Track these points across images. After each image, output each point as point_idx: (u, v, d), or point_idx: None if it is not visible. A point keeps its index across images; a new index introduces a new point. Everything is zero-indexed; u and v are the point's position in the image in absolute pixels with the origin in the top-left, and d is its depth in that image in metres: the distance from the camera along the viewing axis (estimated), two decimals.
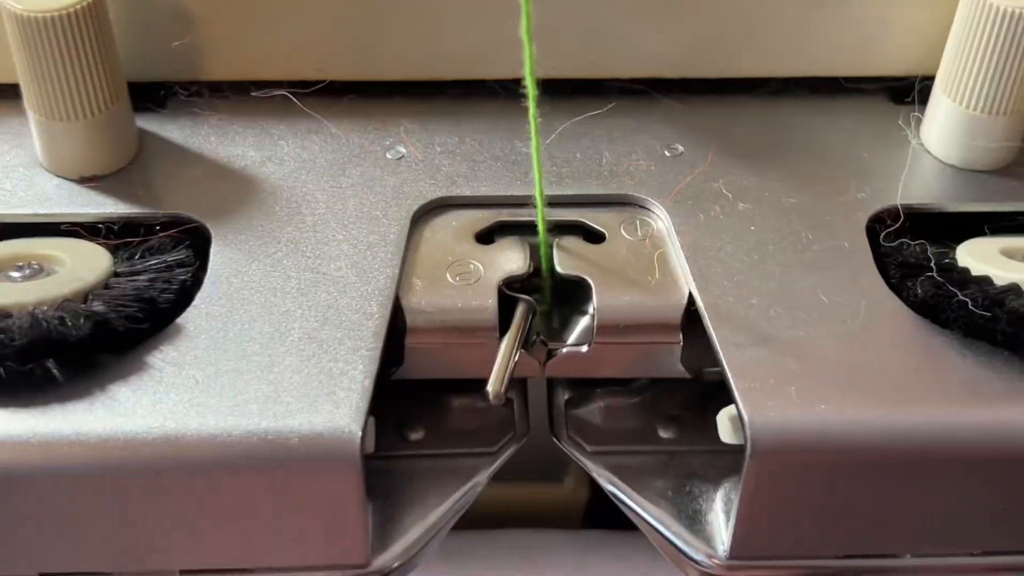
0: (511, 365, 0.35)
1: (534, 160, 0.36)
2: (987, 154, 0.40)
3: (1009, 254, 0.37)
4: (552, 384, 0.40)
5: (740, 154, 0.41)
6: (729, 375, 0.34)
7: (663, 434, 0.39)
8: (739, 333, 0.35)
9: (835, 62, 0.42)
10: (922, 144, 0.41)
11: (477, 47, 0.42)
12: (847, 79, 0.42)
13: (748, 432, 0.33)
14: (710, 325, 0.35)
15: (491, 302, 0.36)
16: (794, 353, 0.35)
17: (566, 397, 0.40)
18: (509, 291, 0.37)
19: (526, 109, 0.35)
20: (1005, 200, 0.39)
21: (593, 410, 0.40)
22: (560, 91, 0.42)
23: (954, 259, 0.37)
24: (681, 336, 0.36)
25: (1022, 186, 0.40)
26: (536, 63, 0.42)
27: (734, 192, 0.39)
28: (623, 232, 0.39)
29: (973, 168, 0.40)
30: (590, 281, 0.37)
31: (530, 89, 0.34)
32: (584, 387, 0.40)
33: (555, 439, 0.39)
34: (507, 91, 0.42)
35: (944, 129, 0.40)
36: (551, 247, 0.38)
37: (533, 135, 0.35)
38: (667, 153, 0.41)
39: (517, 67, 0.37)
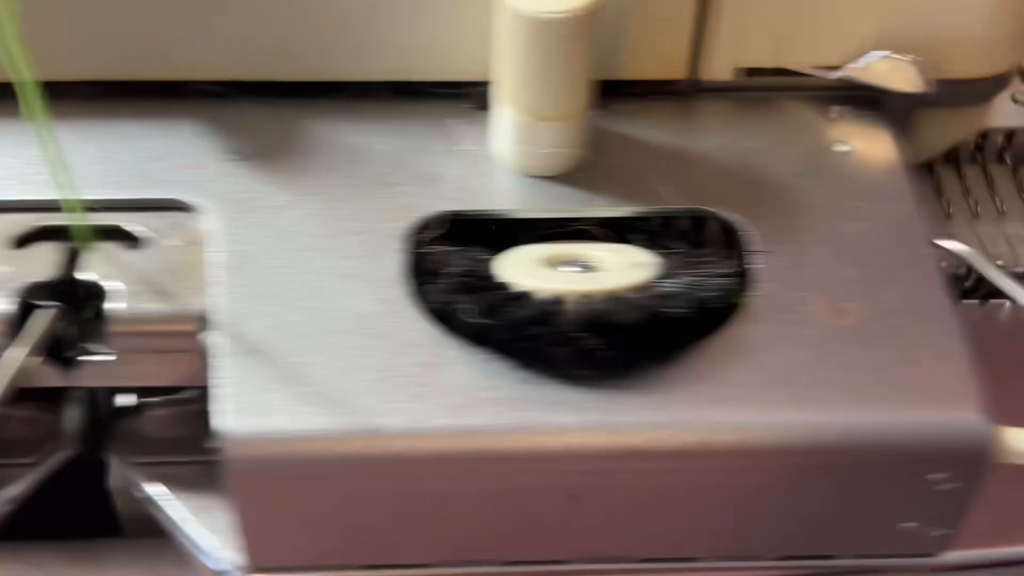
0: (12, 374, 0.34)
1: (53, 163, 0.35)
2: (541, 160, 0.40)
3: (550, 261, 0.37)
4: (99, 393, 0.39)
5: (304, 158, 0.40)
6: (213, 383, 0.33)
7: (209, 444, 0.38)
8: (238, 342, 0.34)
9: (410, 66, 0.42)
10: (485, 150, 0.41)
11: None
12: (424, 84, 0.42)
13: (220, 442, 0.32)
14: (209, 334, 0.35)
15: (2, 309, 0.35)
16: (291, 363, 0.34)
17: (113, 406, 0.39)
18: (33, 299, 0.36)
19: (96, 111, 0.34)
20: (557, 207, 0.39)
21: (142, 420, 0.39)
22: (127, 93, 0.41)
23: (487, 266, 0.37)
24: (202, 344, 0.36)
25: (574, 193, 0.39)
26: (103, 64, 0.42)
27: (289, 198, 0.39)
28: (164, 237, 0.38)
29: (531, 174, 0.40)
30: (112, 287, 0.36)
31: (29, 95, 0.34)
32: (135, 396, 0.39)
33: (98, 450, 0.39)
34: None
35: (502, 135, 0.40)
36: (82, 253, 0.37)
37: (42, 134, 0.35)
38: (230, 156, 0.40)
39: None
